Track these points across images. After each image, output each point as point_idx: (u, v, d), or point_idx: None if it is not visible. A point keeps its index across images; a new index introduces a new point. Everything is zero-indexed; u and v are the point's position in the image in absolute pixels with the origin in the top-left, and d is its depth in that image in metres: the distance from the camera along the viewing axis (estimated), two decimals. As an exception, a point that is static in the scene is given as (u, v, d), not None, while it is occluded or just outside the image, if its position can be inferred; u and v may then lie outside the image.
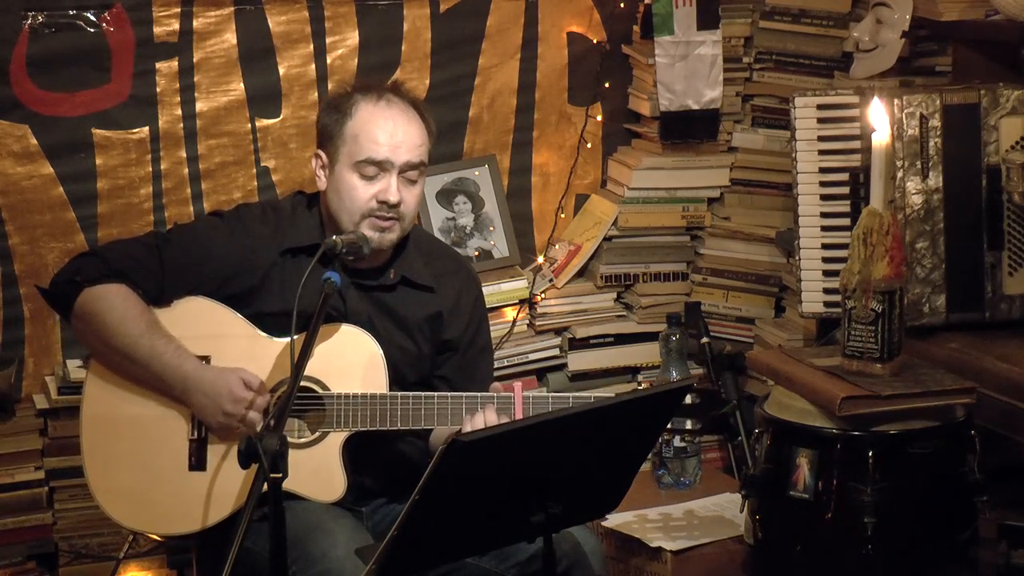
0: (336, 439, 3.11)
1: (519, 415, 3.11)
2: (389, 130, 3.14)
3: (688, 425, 3.20)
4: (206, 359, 3.11)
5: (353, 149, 3.12)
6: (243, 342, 3.13)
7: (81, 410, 3.15)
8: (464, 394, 3.12)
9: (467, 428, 3.08)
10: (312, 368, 3.08)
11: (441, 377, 3.29)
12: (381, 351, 3.14)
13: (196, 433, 3.12)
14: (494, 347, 4.41)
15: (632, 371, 4.60)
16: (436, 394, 3.13)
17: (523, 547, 2.97)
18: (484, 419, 3.07)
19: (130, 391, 3.13)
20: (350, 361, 3.11)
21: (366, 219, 3.14)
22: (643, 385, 4.55)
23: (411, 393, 3.12)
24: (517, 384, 3.14)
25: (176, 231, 3.24)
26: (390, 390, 3.13)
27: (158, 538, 3.33)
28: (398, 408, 3.10)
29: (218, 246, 3.16)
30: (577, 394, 3.18)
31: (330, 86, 4.38)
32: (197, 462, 3.12)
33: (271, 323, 3.14)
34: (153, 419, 3.12)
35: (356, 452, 3.14)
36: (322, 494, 3.11)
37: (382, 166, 3.12)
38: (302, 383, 3.10)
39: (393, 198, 3.13)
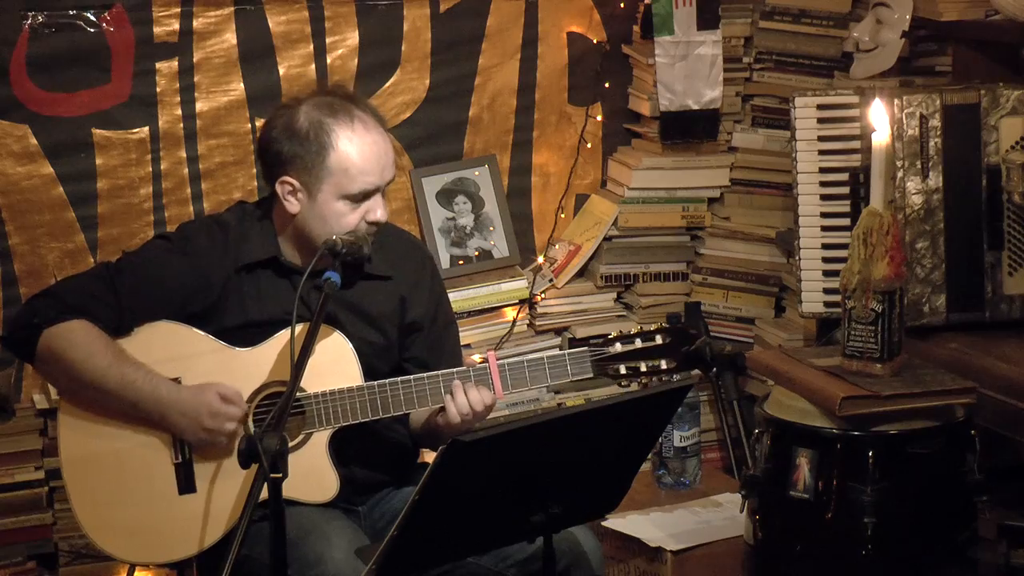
0: (321, 438, 3.11)
1: (497, 383, 3.11)
2: (376, 158, 3.10)
3: (664, 365, 3.18)
4: (177, 380, 3.09)
5: (343, 182, 3.08)
6: (211, 358, 3.11)
7: (60, 454, 3.12)
8: (440, 372, 3.11)
9: (450, 409, 3.07)
10: (285, 372, 3.08)
11: (410, 359, 3.27)
12: (350, 344, 3.13)
13: (180, 456, 3.10)
14: (494, 347, 4.44)
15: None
16: (412, 377, 3.12)
17: (522, 546, 2.96)
18: (466, 396, 3.07)
19: (105, 426, 3.09)
20: (321, 359, 3.08)
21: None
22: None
23: (387, 380, 3.11)
24: (491, 353, 3.14)
25: (127, 259, 3.20)
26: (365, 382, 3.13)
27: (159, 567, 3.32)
28: (376, 397, 3.09)
29: (171, 269, 3.14)
30: (552, 353, 3.15)
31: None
32: (186, 485, 3.10)
33: (235, 337, 3.13)
34: (133, 450, 3.10)
35: (341, 447, 3.14)
36: (316, 495, 3.10)
37: (372, 192, 3.12)
38: (276, 389, 3.10)
39: (383, 217, 3.14)
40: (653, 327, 3.20)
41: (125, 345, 3.09)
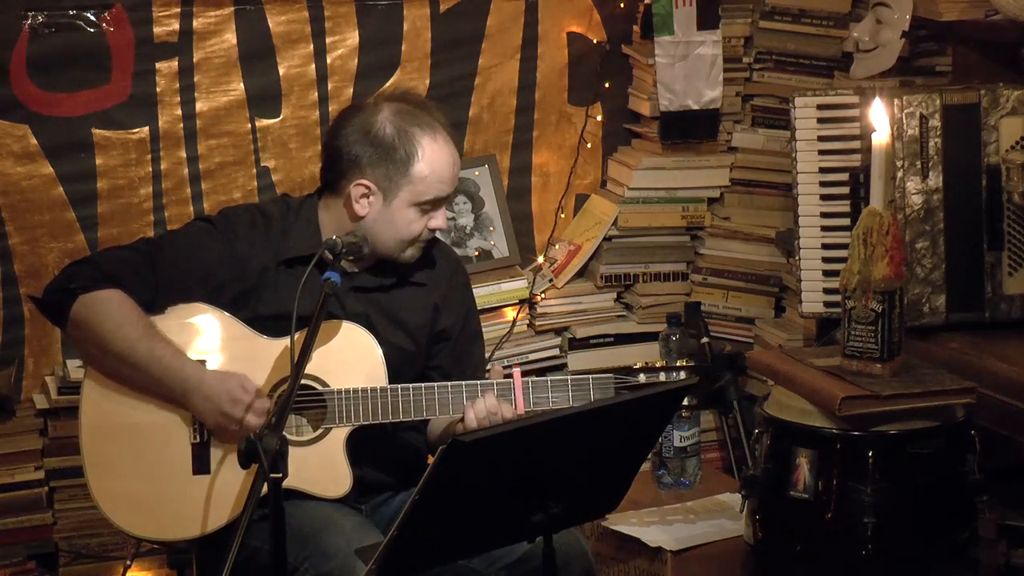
0: (339, 434, 3.11)
1: (519, 400, 3.12)
2: (453, 169, 3.17)
3: (684, 402, 3.20)
4: (202, 363, 3.11)
5: (421, 189, 3.13)
6: (239, 344, 3.13)
7: (80, 419, 3.14)
8: (464, 382, 3.13)
9: (468, 415, 3.08)
10: (312, 366, 3.09)
11: (435, 367, 3.29)
12: (379, 346, 3.14)
13: (198, 437, 3.11)
14: (494, 347, 4.44)
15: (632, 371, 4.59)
16: (436, 384, 3.13)
17: (514, 548, 2.97)
18: (484, 405, 3.08)
19: (129, 397, 3.11)
20: (349, 357, 3.12)
21: (415, 244, 3.19)
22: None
23: (411, 385, 3.12)
24: (516, 370, 3.15)
25: (168, 237, 3.24)
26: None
27: (160, 545, 3.32)
28: (399, 400, 3.10)
29: (211, 252, 3.16)
30: (575, 376, 3.17)
31: (330, 86, 4.38)
32: (200, 466, 3.11)
33: (267, 326, 3.14)
34: (154, 425, 3.11)
35: (357, 447, 3.14)
36: (329, 490, 3.11)
37: (443, 200, 3.18)
38: (302, 381, 3.10)
39: (444, 225, 3.21)
40: (680, 363, 3.23)
41: (157, 322, 3.10)
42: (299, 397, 3.08)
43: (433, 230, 3.19)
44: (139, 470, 3.11)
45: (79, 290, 3.08)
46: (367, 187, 3.13)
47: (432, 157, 3.13)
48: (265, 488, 2.65)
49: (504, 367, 3.19)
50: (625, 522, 3.83)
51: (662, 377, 3.19)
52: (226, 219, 3.24)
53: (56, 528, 4.13)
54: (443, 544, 2.71)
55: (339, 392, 3.10)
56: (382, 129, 3.13)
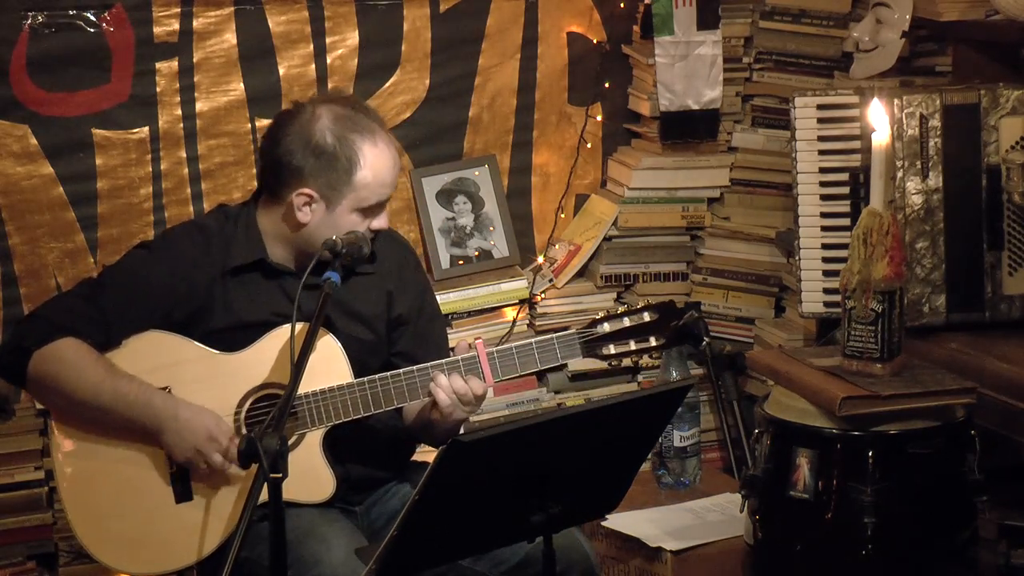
0: (314, 438, 3.11)
1: (487, 372, 3.11)
2: (392, 171, 3.16)
3: (653, 342, 3.17)
4: (166, 389, 3.09)
5: (364, 195, 3.12)
6: (199, 364, 3.12)
7: (55, 471, 3.13)
8: (429, 364, 3.11)
9: (440, 396, 3.06)
10: (276, 375, 3.09)
11: (398, 353, 3.27)
12: (338, 342, 3.13)
13: (175, 466, 3.10)
14: (493, 347, 4.43)
15: (632, 371, 4.60)
16: (402, 370, 3.12)
17: (516, 550, 2.97)
18: (452, 384, 3.07)
19: (98, 442, 3.10)
20: (311, 359, 3.05)
21: None
22: (643, 385, 4.55)
23: (377, 376, 3.11)
24: (479, 342, 3.13)
25: (107, 274, 3.21)
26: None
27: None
28: (367, 393, 3.10)
29: (153, 276, 3.14)
30: (540, 338, 3.15)
31: (330, 86, 4.38)
32: (183, 494, 3.11)
33: (222, 340, 3.13)
34: (128, 462, 3.10)
35: (335, 446, 3.14)
36: (313, 495, 3.11)
37: (384, 203, 3.18)
38: (269, 391, 3.11)
39: (386, 225, 3.21)
40: (640, 304, 3.20)
41: (113, 357, 3.09)
42: (266, 408, 3.08)
43: (376, 231, 3.18)
44: (122, 510, 3.10)
45: (32, 347, 3.06)
46: (309, 196, 3.12)
47: (374, 163, 3.12)
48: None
49: (469, 345, 3.15)
50: (625, 522, 3.83)
51: (626, 322, 3.15)
52: (164, 240, 3.24)
53: (56, 528, 4.12)
54: (443, 544, 2.71)
55: (307, 396, 3.09)
56: (322, 137, 3.10)
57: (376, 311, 3.25)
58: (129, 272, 3.17)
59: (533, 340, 3.16)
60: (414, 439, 3.33)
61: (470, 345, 3.14)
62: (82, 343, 3.06)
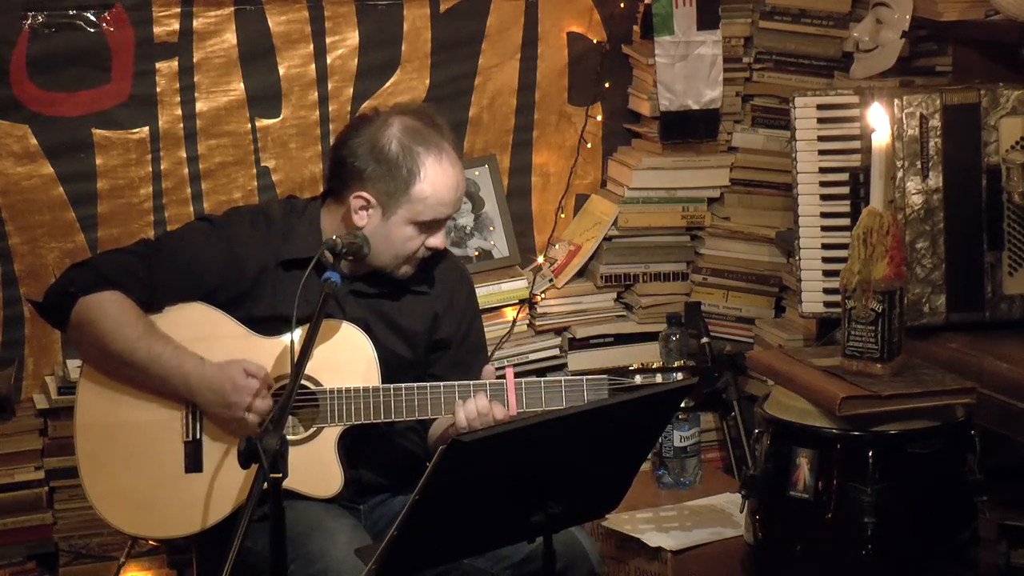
0: (331, 434, 3.12)
1: (512, 400, 3.11)
2: (454, 192, 3.17)
3: (681, 404, 3.18)
4: (200, 359, 3.11)
5: (420, 209, 3.13)
6: (236, 342, 3.14)
7: (75, 418, 3.16)
8: (457, 383, 3.12)
9: (459, 415, 3.07)
10: (307, 365, 3.09)
11: (433, 375, 3.28)
12: (373, 347, 3.15)
13: (191, 435, 3.13)
14: (494, 347, 4.43)
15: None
16: (429, 384, 3.13)
17: (518, 548, 2.97)
18: (475, 405, 3.07)
19: (123, 397, 3.14)
20: (343, 358, 3.12)
21: (410, 261, 3.20)
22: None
23: (403, 385, 3.12)
24: (509, 369, 3.14)
25: (166, 239, 3.26)
26: None
27: (155, 543, 3.33)
28: (391, 400, 3.11)
29: (208, 252, 3.18)
30: (570, 377, 3.16)
31: (330, 86, 4.38)
32: (193, 464, 3.13)
33: (262, 327, 3.16)
34: (147, 423, 3.13)
35: (354, 448, 3.15)
36: (319, 490, 3.11)
37: (442, 222, 3.18)
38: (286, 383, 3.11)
39: (443, 246, 3.22)
40: (676, 364, 3.21)
41: (155, 321, 3.13)
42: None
43: (431, 249, 3.19)
44: (132, 468, 3.13)
45: (79, 293, 3.11)
46: (366, 200, 3.14)
47: (435, 179, 3.13)
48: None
49: (497, 368, 3.16)
50: (625, 522, 3.83)
51: (658, 378, 3.18)
52: (227, 219, 3.26)
53: (56, 528, 4.13)
54: (443, 544, 2.71)
55: (331, 391, 3.10)
56: (388, 144, 3.13)
57: (419, 329, 3.26)
58: (187, 244, 3.20)
59: (563, 378, 3.17)
60: (431, 457, 3.33)
61: (497, 369, 3.15)
62: (127, 298, 3.11)
